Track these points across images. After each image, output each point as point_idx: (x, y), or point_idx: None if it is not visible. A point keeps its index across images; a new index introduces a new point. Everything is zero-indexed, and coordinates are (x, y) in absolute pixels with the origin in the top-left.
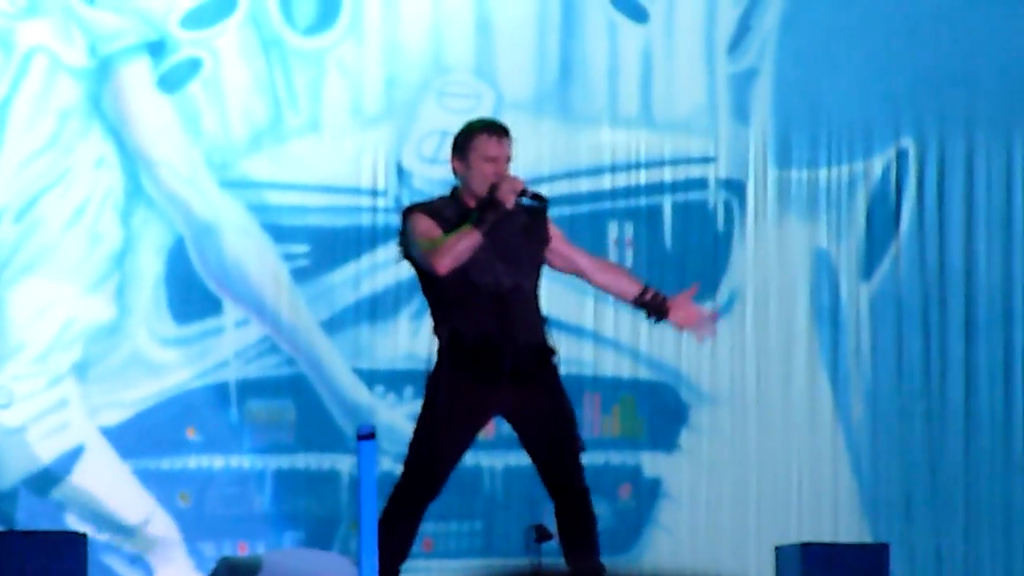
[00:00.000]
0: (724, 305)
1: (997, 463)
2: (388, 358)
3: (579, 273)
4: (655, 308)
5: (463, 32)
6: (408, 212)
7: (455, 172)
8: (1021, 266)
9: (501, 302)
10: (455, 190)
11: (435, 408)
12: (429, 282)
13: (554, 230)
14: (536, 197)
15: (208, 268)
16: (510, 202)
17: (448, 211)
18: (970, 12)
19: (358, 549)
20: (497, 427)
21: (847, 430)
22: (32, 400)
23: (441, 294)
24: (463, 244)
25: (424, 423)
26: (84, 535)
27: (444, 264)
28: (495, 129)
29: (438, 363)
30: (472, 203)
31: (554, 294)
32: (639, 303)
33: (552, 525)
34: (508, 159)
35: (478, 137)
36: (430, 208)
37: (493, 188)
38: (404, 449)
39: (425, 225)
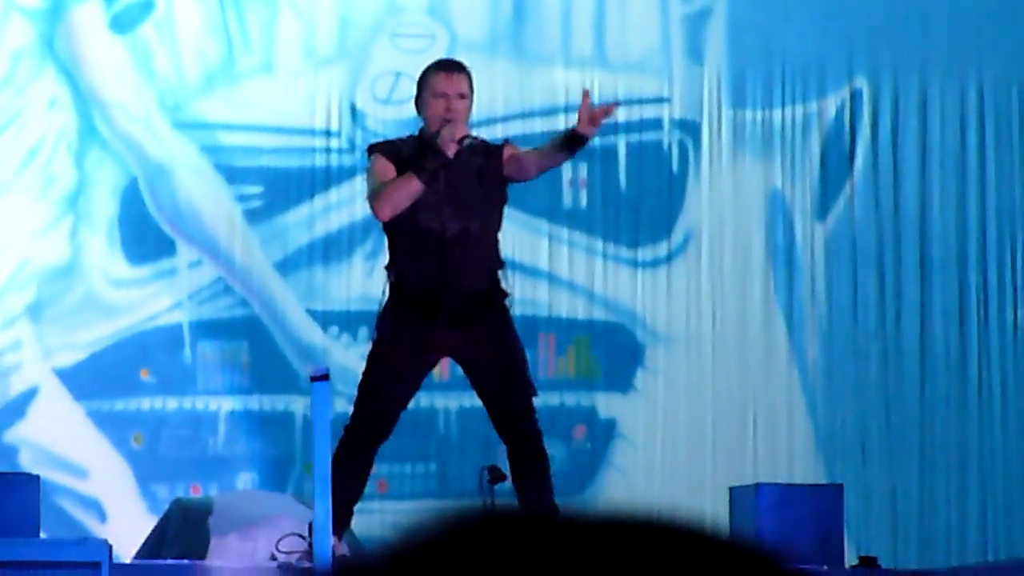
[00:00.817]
0: (678, 246)
1: (952, 404)
2: (342, 299)
3: (523, 166)
4: (571, 137)
5: None
6: (369, 150)
7: (417, 112)
8: (975, 206)
9: (444, 247)
10: (421, 131)
11: (378, 348)
12: (383, 224)
13: (510, 150)
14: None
15: (161, 209)
16: (450, 150)
17: (409, 152)
18: None
19: (312, 490)
20: (451, 369)
21: (802, 371)
22: None
23: (391, 236)
24: (401, 191)
25: (370, 364)
26: (36, 476)
27: (384, 211)
28: (447, 65)
29: (386, 304)
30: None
31: (508, 235)
32: (561, 144)
33: (506, 467)
34: (462, 96)
35: (431, 75)
36: (391, 148)
37: (435, 136)
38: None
39: (380, 166)
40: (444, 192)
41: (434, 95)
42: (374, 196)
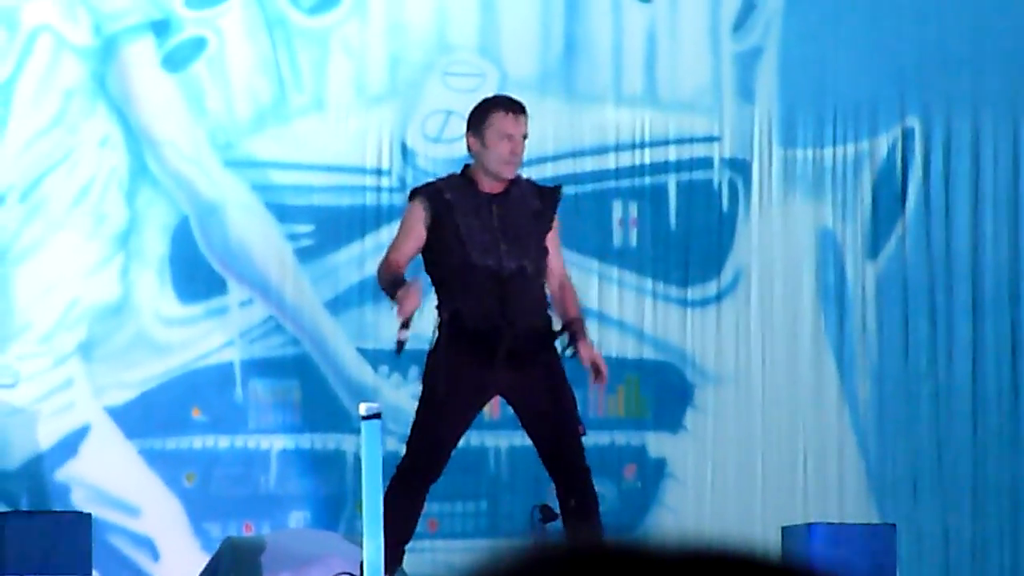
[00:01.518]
0: (728, 285)
1: (1004, 444)
2: (392, 338)
3: (557, 292)
4: (573, 337)
5: (467, 10)
6: (411, 195)
7: (469, 149)
8: None
9: (502, 284)
10: (467, 168)
11: (435, 388)
12: (431, 261)
13: (554, 229)
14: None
15: (212, 248)
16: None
17: (453, 192)
18: None
19: (362, 529)
20: (502, 407)
21: (853, 410)
22: (37, 380)
23: (443, 275)
24: (385, 284)
25: (424, 403)
26: (89, 515)
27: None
28: (512, 106)
29: (437, 342)
30: (483, 182)
31: None
32: (566, 326)
33: (556, 505)
34: (524, 136)
35: (495, 114)
36: (432, 191)
37: (396, 298)
38: (408, 430)
39: (412, 216)
40: (499, 230)
41: (500, 136)
42: (381, 265)
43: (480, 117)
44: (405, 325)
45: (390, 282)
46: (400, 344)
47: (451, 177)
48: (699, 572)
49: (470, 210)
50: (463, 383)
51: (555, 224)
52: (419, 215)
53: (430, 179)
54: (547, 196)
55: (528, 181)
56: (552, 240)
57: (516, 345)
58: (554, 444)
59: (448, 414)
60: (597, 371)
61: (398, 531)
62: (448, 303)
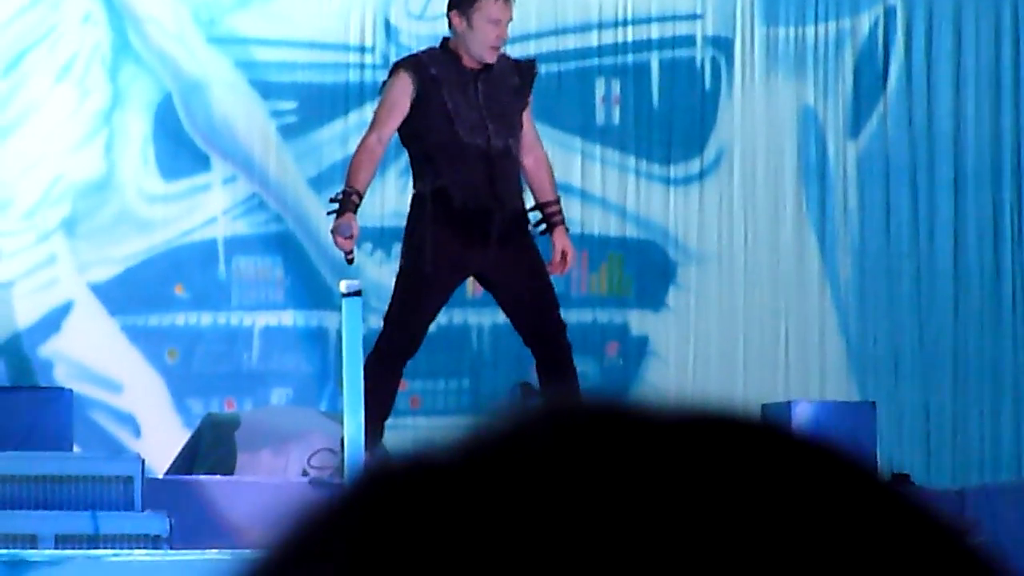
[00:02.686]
0: (711, 163)
1: (985, 321)
2: (375, 216)
3: (528, 166)
4: (547, 221)
5: None
6: (393, 68)
7: (451, 26)
8: (1009, 124)
9: (490, 163)
10: (446, 41)
11: (417, 264)
12: (413, 135)
13: (528, 104)
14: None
15: (196, 125)
16: (339, 244)
17: (438, 65)
18: None
19: (343, 406)
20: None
21: (835, 289)
22: (20, 256)
23: (428, 150)
24: (345, 185)
25: (404, 279)
26: (70, 390)
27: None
28: None
29: (418, 218)
30: (466, 60)
31: None
32: (541, 207)
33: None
34: (511, 20)
35: (487, 1)
36: (418, 64)
37: (335, 228)
38: None
39: (397, 90)
40: (485, 108)
41: (488, 20)
42: (357, 148)
43: (474, 2)
44: (349, 251)
45: (347, 186)
46: (349, 258)
47: (433, 51)
48: (693, 434)
49: (456, 86)
50: (446, 260)
51: (529, 100)
52: (404, 88)
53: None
54: (524, 72)
55: (504, 56)
56: (527, 116)
57: (505, 226)
58: (535, 322)
59: (430, 290)
60: (563, 261)
61: (378, 407)
62: (432, 179)
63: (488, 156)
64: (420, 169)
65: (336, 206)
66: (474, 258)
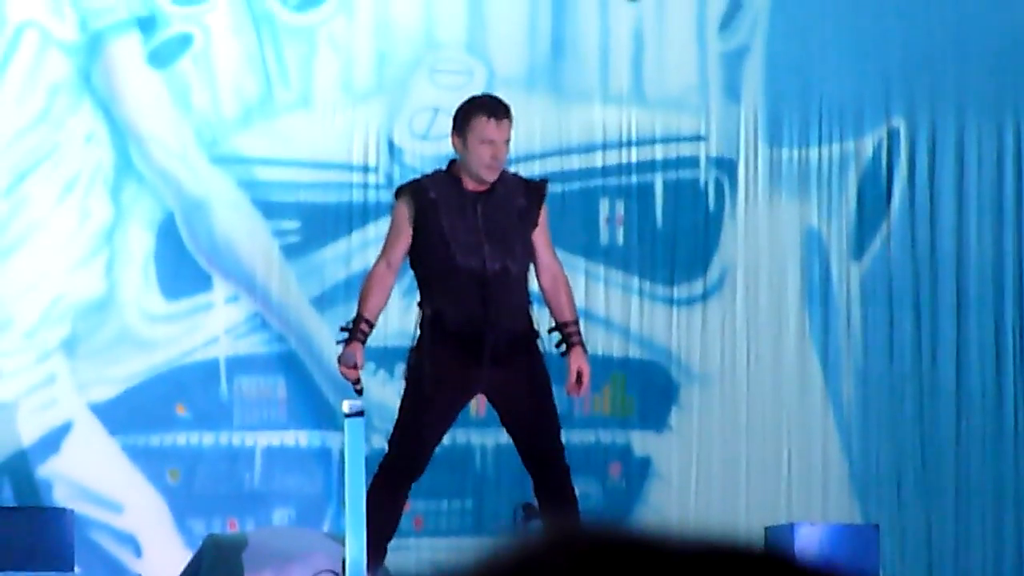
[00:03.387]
0: (714, 284)
1: (988, 444)
2: (379, 335)
3: (533, 263)
4: (566, 341)
5: (455, 7)
6: (396, 194)
7: (454, 147)
8: (1012, 246)
9: (485, 285)
10: (452, 164)
11: (419, 385)
12: (415, 259)
13: (542, 218)
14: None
15: (198, 244)
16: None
17: (438, 189)
18: None
19: (346, 526)
20: (488, 406)
21: (837, 410)
22: (20, 376)
23: (426, 273)
24: (356, 312)
25: (407, 400)
26: (71, 511)
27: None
28: (495, 110)
29: (420, 339)
30: (468, 182)
31: None
32: (560, 328)
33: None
34: (507, 141)
35: (477, 118)
36: (417, 188)
37: (340, 358)
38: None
39: (398, 215)
40: (484, 230)
41: (481, 140)
42: (365, 281)
43: (463, 119)
44: (356, 381)
45: (357, 314)
46: (358, 388)
47: (436, 174)
48: (701, 567)
49: (455, 209)
50: (447, 381)
51: (543, 218)
52: (404, 214)
53: (417, 175)
54: (533, 191)
55: (514, 176)
56: (541, 234)
57: (498, 346)
58: (532, 442)
59: (431, 411)
60: (579, 383)
61: (381, 528)
62: (430, 302)
63: (483, 278)
64: (422, 292)
65: (345, 335)
66: (472, 378)
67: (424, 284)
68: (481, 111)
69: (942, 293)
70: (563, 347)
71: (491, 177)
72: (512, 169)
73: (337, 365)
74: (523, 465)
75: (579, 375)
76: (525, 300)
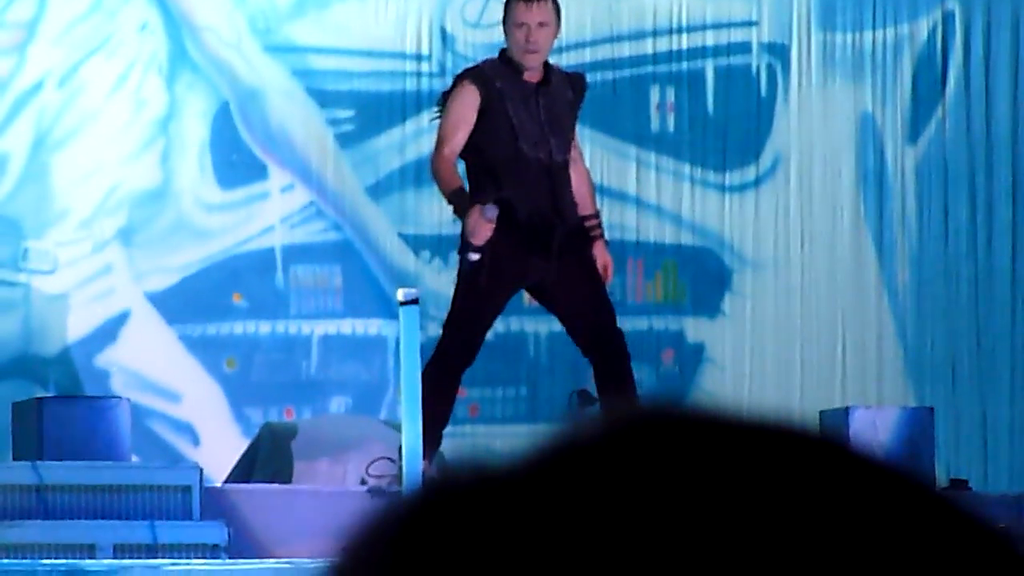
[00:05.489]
0: (767, 170)
1: None
2: (434, 223)
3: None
4: (589, 232)
5: None
6: (457, 79)
7: (504, 36)
8: None
9: (552, 177)
10: (505, 53)
11: (475, 273)
12: (475, 148)
13: (580, 167)
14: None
15: (253, 133)
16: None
17: (502, 80)
18: None
19: (401, 414)
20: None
21: (892, 294)
22: (77, 266)
23: (490, 163)
24: (443, 188)
25: (464, 287)
26: (127, 400)
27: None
28: None
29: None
30: (527, 74)
31: (597, 159)
32: (582, 220)
33: (595, 391)
34: (543, 24)
35: (511, 3)
36: (480, 76)
37: (464, 210)
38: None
39: (464, 104)
40: (547, 122)
41: (515, 24)
42: (433, 164)
43: (505, 7)
44: (476, 249)
45: (452, 191)
46: (469, 261)
47: (494, 63)
48: (757, 450)
49: (518, 99)
50: (506, 271)
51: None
52: (471, 101)
53: (470, 64)
54: (577, 85)
55: (556, 68)
56: (582, 170)
57: (566, 239)
58: (594, 331)
59: (488, 300)
60: (604, 274)
61: (436, 415)
62: (494, 191)
63: (550, 171)
64: (480, 181)
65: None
66: (534, 269)
67: (486, 173)
68: None
69: (997, 177)
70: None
71: (530, 63)
72: (563, 57)
73: (472, 231)
74: (583, 354)
75: (604, 268)
76: (574, 192)
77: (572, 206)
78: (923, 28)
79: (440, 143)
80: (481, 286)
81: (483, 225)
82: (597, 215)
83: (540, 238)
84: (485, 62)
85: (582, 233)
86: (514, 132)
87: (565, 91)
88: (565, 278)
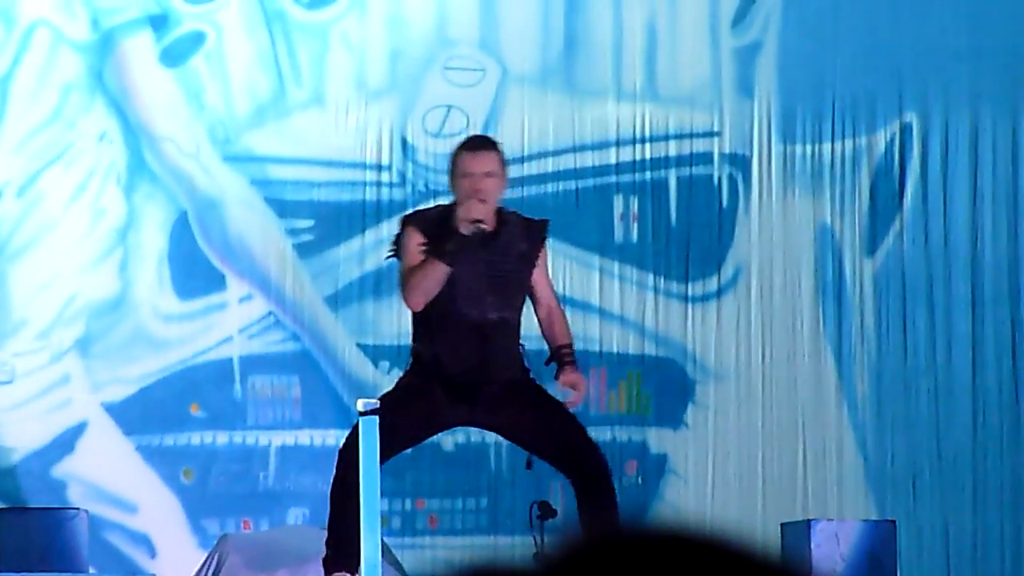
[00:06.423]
0: (729, 280)
1: (1004, 439)
2: (392, 333)
3: (530, 298)
4: (560, 362)
5: (467, 4)
6: (403, 223)
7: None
8: None
9: (484, 336)
10: (454, 201)
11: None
12: None
13: (541, 257)
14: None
15: (211, 243)
16: (465, 229)
17: (444, 225)
18: None
19: (360, 526)
20: None
21: (852, 407)
22: (34, 376)
23: (424, 318)
24: (430, 279)
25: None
26: (85, 511)
27: (416, 301)
28: (473, 144)
29: (410, 371)
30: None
31: (560, 269)
32: (555, 351)
33: (556, 503)
34: (489, 175)
35: (457, 155)
36: (425, 220)
37: (451, 217)
38: None
39: (408, 243)
40: (487, 280)
41: (461, 174)
42: (404, 286)
43: (452, 158)
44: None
45: (439, 276)
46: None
47: (442, 211)
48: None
49: (459, 255)
50: (427, 414)
51: (543, 257)
52: (413, 239)
53: (430, 173)
54: (534, 232)
55: (515, 215)
56: (540, 272)
57: (491, 395)
58: (567, 451)
59: (403, 428)
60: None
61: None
62: (428, 343)
63: (481, 329)
64: (416, 330)
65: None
66: (458, 417)
67: (421, 323)
68: (461, 146)
69: (956, 289)
70: (557, 368)
71: (471, 214)
72: (527, 166)
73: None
74: (566, 478)
75: (573, 387)
76: (518, 345)
77: (508, 363)
78: (881, 140)
79: (405, 272)
80: (399, 414)
81: (461, 220)
82: (570, 344)
83: (465, 394)
84: (432, 209)
85: (519, 386)
86: (452, 284)
87: (518, 243)
88: (510, 422)
